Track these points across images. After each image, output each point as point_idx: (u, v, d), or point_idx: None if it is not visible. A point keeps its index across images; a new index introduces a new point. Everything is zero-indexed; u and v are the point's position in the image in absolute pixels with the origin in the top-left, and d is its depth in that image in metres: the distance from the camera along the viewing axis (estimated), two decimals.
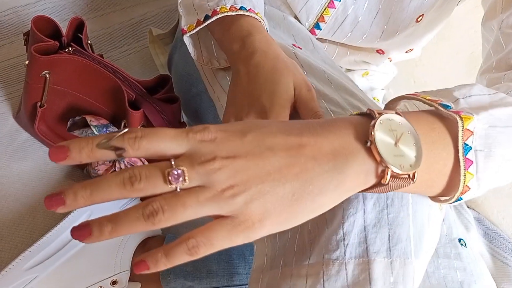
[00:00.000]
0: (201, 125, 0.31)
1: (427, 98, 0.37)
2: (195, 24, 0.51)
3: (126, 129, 0.30)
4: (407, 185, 0.33)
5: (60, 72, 0.59)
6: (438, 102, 0.36)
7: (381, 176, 0.32)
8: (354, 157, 0.31)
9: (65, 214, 0.59)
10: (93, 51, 0.62)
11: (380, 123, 0.32)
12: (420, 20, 0.62)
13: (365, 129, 0.32)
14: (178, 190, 0.29)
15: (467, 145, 0.35)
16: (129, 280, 0.61)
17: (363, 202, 0.37)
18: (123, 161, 0.61)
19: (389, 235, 0.36)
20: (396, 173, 0.31)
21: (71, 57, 0.57)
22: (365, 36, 0.65)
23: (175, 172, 0.28)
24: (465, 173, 0.35)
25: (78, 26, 0.61)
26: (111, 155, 0.29)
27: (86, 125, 0.61)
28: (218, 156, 0.29)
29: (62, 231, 0.58)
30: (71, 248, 0.58)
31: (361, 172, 0.31)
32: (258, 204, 0.29)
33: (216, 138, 0.30)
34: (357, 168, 0.31)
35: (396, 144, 0.32)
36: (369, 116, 0.33)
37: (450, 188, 0.36)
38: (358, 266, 0.35)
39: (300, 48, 0.54)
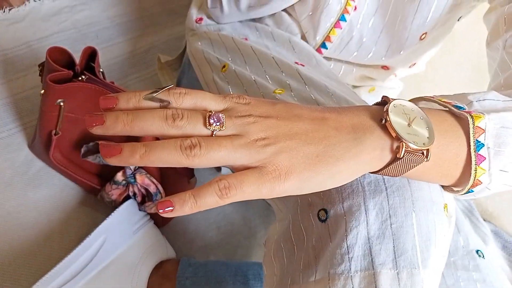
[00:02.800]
0: (236, 93, 0.35)
1: (442, 100, 0.38)
2: None
3: (171, 85, 0.33)
4: (421, 162, 0.34)
5: (74, 100, 0.60)
6: (452, 103, 0.38)
7: (396, 151, 0.33)
8: (371, 132, 0.33)
9: (81, 240, 0.60)
10: (105, 79, 0.64)
11: (394, 106, 0.34)
12: (424, 38, 0.63)
13: (380, 110, 0.35)
14: (214, 135, 0.31)
15: (479, 141, 0.36)
16: None
17: (366, 213, 0.37)
18: (137, 185, 0.62)
19: (394, 246, 0.36)
20: (411, 148, 0.33)
21: (84, 85, 0.59)
22: (370, 55, 0.66)
23: (215, 116, 0.31)
24: (476, 168, 0.36)
25: (91, 55, 0.63)
26: (155, 107, 0.32)
27: (99, 150, 0.62)
28: (253, 114, 0.33)
29: (79, 256, 0.58)
30: (87, 273, 0.58)
31: (377, 146, 0.33)
32: (286, 157, 0.31)
33: (250, 103, 0.34)
34: (374, 142, 0.33)
35: (409, 125, 0.34)
36: (384, 103, 0.36)
37: (464, 180, 0.37)
38: (364, 279, 0.35)
39: (303, 65, 0.55)
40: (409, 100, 0.42)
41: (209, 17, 0.69)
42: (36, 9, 0.92)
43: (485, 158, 0.36)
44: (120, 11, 0.99)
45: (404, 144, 0.33)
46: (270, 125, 0.32)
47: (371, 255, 0.36)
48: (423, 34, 0.62)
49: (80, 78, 0.61)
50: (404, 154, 0.33)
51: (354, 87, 0.77)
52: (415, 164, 0.34)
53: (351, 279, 0.35)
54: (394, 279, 0.35)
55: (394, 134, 0.33)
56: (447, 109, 0.38)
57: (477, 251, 0.57)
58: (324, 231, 0.39)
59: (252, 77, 0.54)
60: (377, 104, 0.37)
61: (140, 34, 0.97)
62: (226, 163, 0.31)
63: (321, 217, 0.40)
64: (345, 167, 0.33)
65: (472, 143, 0.35)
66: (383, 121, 0.33)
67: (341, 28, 0.62)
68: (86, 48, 0.62)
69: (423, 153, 0.34)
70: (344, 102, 0.48)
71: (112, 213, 0.62)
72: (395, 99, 0.35)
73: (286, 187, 0.32)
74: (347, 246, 0.36)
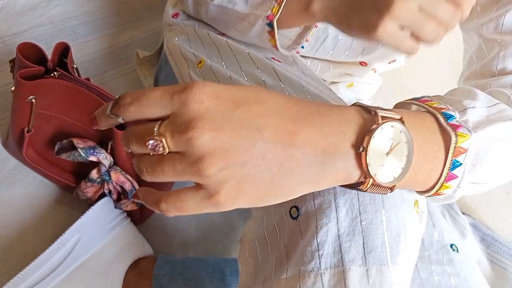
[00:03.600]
0: (190, 82, 0.29)
1: (434, 106, 0.38)
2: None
3: (118, 97, 0.31)
4: (385, 194, 0.34)
5: (46, 96, 0.59)
6: (443, 110, 0.37)
7: (362, 181, 0.32)
8: (342, 157, 0.32)
9: (55, 238, 0.59)
10: (79, 75, 0.63)
11: (381, 129, 0.32)
12: None
13: (364, 130, 0.32)
14: (166, 153, 0.29)
15: (457, 161, 0.35)
16: None
17: (336, 210, 0.37)
18: (112, 182, 0.61)
19: (363, 243, 0.36)
20: (377, 183, 0.32)
21: (56, 81, 0.58)
22: (346, 53, 0.66)
23: (151, 143, 0.29)
24: (442, 184, 0.36)
25: (63, 51, 0.62)
26: (117, 121, 0.32)
27: (73, 147, 0.61)
28: (200, 126, 0.27)
29: (52, 254, 0.57)
30: (61, 271, 0.57)
31: (344, 172, 0.32)
32: (233, 183, 0.29)
33: (203, 102, 0.28)
34: (342, 168, 0.32)
35: (388, 153, 0.32)
36: (373, 117, 0.33)
37: (428, 190, 0.38)
38: (333, 276, 0.35)
39: (279, 61, 0.54)
40: (401, 103, 0.42)
41: (185, 12, 0.68)
42: (11, 3, 0.90)
43: (457, 176, 0.36)
44: (97, 7, 0.97)
45: (371, 179, 0.32)
46: (218, 145, 0.28)
47: (341, 252, 0.36)
48: None
49: (52, 75, 0.59)
50: (369, 187, 0.32)
51: (332, 83, 0.77)
52: (378, 193, 0.34)
53: (321, 276, 0.35)
54: (363, 275, 0.35)
55: (365, 168, 0.31)
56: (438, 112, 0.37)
57: (451, 245, 0.58)
58: (295, 229, 0.39)
59: (228, 73, 0.53)
60: (368, 110, 0.34)
61: (118, 30, 0.95)
62: (177, 180, 0.32)
63: (292, 215, 0.40)
64: (303, 190, 0.32)
65: (448, 162, 0.35)
66: (360, 149, 0.31)
67: (317, 27, 0.62)
68: (58, 44, 0.60)
69: (388, 187, 0.33)
70: (318, 100, 0.47)
71: (87, 211, 0.61)
72: (386, 120, 0.32)
73: (232, 208, 0.30)
74: (318, 244, 0.36)
